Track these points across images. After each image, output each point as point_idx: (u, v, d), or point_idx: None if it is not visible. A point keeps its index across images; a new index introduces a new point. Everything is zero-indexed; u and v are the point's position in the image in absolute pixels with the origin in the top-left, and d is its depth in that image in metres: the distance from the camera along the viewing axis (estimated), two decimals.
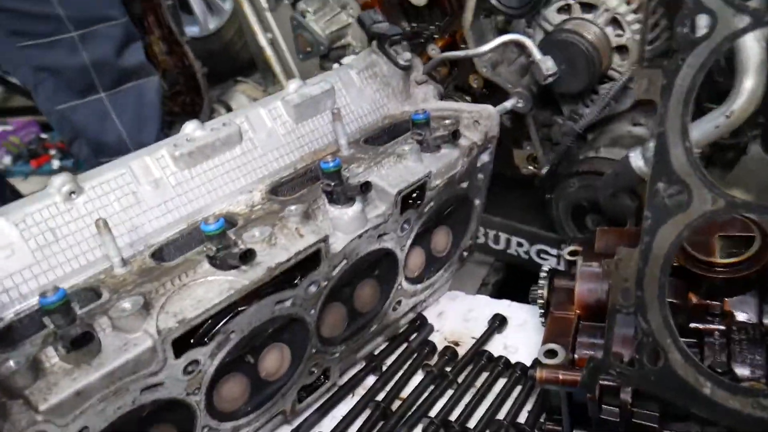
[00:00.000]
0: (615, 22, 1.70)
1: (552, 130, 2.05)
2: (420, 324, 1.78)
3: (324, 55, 2.40)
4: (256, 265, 1.19)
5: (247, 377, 1.36)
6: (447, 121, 1.56)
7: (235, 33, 4.11)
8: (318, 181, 1.39)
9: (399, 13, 2.25)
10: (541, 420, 1.46)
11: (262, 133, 1.48)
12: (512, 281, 2.39)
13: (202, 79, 3.71)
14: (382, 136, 1.59)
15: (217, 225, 1.15)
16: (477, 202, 1.72)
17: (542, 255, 2.26)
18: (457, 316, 1.83)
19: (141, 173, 1.31)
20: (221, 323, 1.17)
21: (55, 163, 4.61)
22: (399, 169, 1.45)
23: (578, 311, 1.45)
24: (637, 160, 1.46)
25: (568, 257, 1.59)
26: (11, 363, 0.99)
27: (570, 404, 1.34)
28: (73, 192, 1.23)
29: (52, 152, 4.66)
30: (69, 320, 1.00)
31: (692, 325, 1.33)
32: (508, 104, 1.73)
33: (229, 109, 3.76)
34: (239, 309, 1.19)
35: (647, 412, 1.21)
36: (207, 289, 1.15)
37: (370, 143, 1.57)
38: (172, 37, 3.72)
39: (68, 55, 2.38)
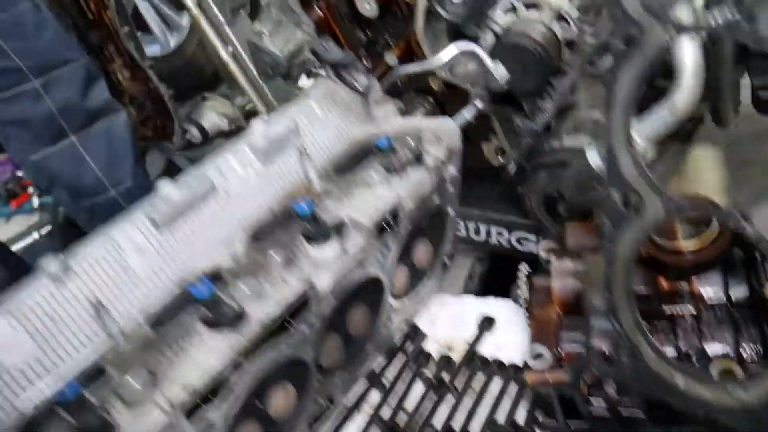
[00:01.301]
0: (561, 17, 1.75)
1: (515, 124, 2.11)
2: (413, 334, 1.86)
3: (286, 74, 2.43)
4: (249, 321, 1.25)
5: (259, 422, 1.43)
6: (410, 141, 1.62)
7: (197, 47, 4.08)
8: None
9: (352, 24, 2.28)
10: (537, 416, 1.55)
11: (234, 182, 1.52)
12: (497, 269, 2.47)
13: (170, 102, 3.71)
14: (350, 164, 1.65)
15: (207, 292, 1.21)
16: (450, 211, 1.78)
17: (522, 241, 2.33)
18: (447, 320, 1.91)
19: (126, 244, 1.35)
20: (225, 381, 1.24)
21: (35, 201, 4.60)
22: (370, 199, 1.51)
23: (558, 308, 1.53)
24: (594, 157, 1.53)
25: (544, 255, 1.67)
26: None
27: (561, 400, 1.43)
28: (63, 274, 1.27)
29: (30, 190, 4.65)
30: (85, 413, 1.07)
31: (665, 308, 1.42)
32: (467, 114, 1.78)
33: (201, 128, 3.75)
34: (239, 362, 1.26)
35: (632, 407, 1.31)
36: (207, 353, 1.21)
37: (340, 173, 1.62)
38: (134, 63, 3.70)
39: (33, 105, 2.36)
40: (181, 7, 3.79)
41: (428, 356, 1.79)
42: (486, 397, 1.64)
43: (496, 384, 1.66)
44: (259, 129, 1.59)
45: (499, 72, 1.66)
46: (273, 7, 2.30)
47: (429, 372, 1.74)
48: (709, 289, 1.44)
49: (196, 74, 4.09)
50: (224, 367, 1.20)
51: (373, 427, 1.63)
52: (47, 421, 1.12)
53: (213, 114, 4.00)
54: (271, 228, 1.51)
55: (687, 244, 1.43)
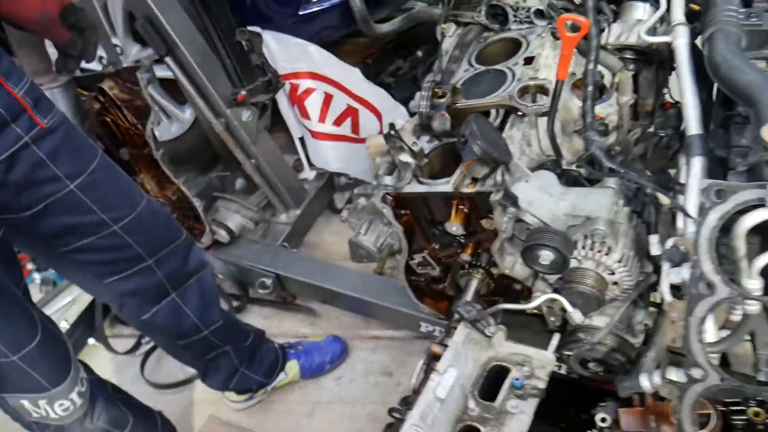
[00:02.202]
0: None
1: None
2: None
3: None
4: None
5: None
6: (525, 369, 2.50)
7: (199, 138, 4.55)
8: None
9: (431, 227, 3.05)
10: None
11: (429, 423, 2.34)
12: None
13: (202, 212, 4.26)
14: (488, 389, 2.50)
15: None
16: None
17: None
18: None
19: None
20: None
21: (37, 276, 4.86)
22: (515, 425, 2.39)
23: None
24: (644, 380, 2.48)
25: (601, 424, 2.64)
26: None
27: None
28: None
29: (30, 266, 4.89)
30: None
31: None
32: (555, 342, 2.66)
33: (228, 231, 4.35)
34: None
35: None
36: None
37: (484, 398, 2.47)
38: (164, 176, 4.18)
39: (147, 279, 2.91)
40: (183, 101, 4.31)
41: None
42: None
43: None
44: (438, 380, 2.40)
45: (578, 317, 2.55)
46: (366, 212, 3.01)
47: None
48: None
49: (195, 157, 4.60)
50: None
51: None
52: None
53: (237, 216, 4.62)
54: None
55: None
